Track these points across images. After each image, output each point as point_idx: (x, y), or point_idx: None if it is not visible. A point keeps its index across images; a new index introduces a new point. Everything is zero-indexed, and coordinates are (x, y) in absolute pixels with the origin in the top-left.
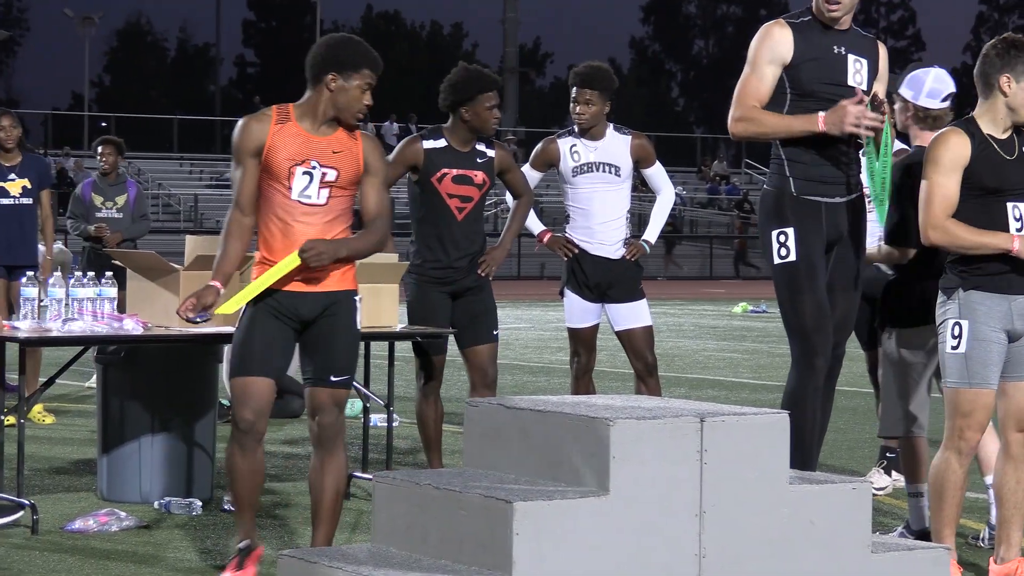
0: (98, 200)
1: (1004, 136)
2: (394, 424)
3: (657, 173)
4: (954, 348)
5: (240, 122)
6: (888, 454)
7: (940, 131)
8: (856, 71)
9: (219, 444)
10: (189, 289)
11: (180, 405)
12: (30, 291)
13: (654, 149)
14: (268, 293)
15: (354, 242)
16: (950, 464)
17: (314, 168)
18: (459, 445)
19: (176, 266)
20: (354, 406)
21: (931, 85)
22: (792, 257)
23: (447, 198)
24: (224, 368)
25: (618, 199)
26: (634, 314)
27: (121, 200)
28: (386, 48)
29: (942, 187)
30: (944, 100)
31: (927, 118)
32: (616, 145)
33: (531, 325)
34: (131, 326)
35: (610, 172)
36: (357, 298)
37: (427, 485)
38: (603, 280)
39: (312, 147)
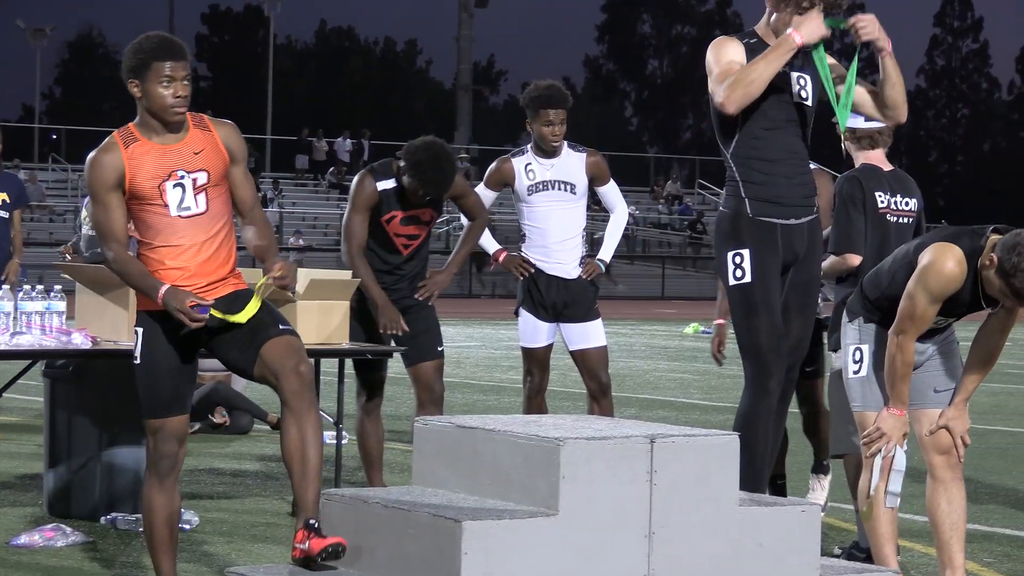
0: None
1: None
2: (343, 442)
3: (611, 191)
4: (856, 372)
5: (88, 159)
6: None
7: (951, 255)
8: (800, 87)
9: None
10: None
11: (128, 420)
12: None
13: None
14: (161, 316)
15: (272, 246)
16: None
17: (182, 177)
18: (409, 463)
19: None
20: None
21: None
22: (747, 278)
23: (394, 237)
24: None
25: (574, 218)
26: (589, 334)
27: None
28: (340, 64)
29: (928, 315)
30: (868, 120)
31: (861, 139)
32: (571, 163)
33: (482, 343)
34: (80, 340)
35: (566, 190)
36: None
37: (376, 503)
38: (559, 300)
39: (171, 157)
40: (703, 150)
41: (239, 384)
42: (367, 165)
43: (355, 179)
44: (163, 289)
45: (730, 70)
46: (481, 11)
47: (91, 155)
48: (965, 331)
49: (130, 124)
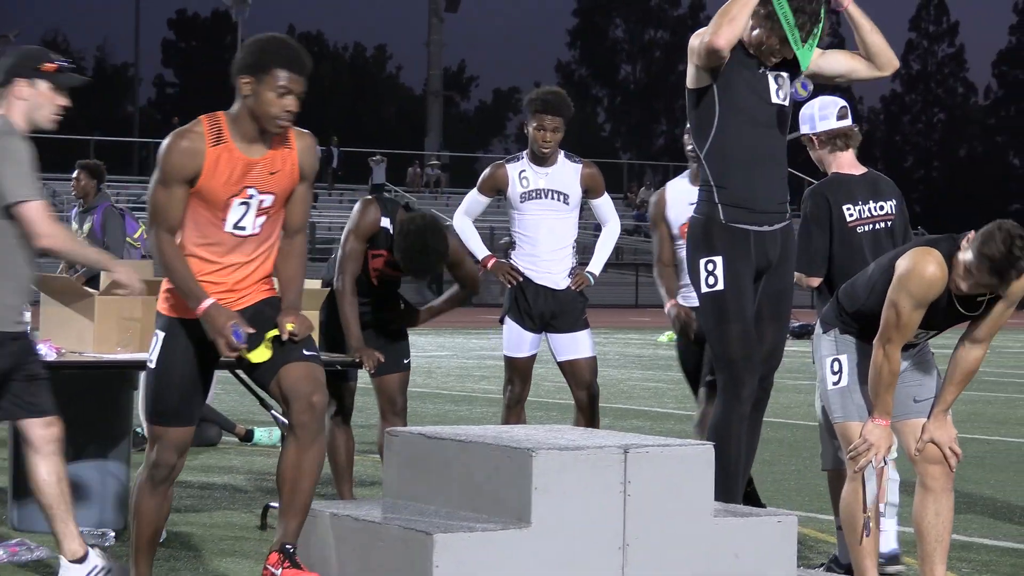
0: (73, 228)
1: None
2: None
3: (604, 204)
4: (835, 384)
5: (170, 141)
6: None
7: (931, 258)
8: (779, 87)
9: (133, 472)
10: (105, 315)
11: (93, 433)
12: None
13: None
14: (186, 324)
15: (297, 290)
16: (858, 495)
17: (251, 197)
18: (379, 475)
19: (91, 291)
20: (272, 434)
21: (819, 112)
22: (720, 286)
23: (371, 271)
24: (139, 396)
25: (566, 228)
26: (578, 344)
27: (88, 227)
28: None
29: (913, 321)
30: (841, 119)
31: (830, 140)
32: (566, 173)
33: (453, 353)
34: (44, 352)
35: (559, 200)
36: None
37: (346, 516)
38: (547, 310)
39: (250, 172)
40: (677, 156)
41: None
42: (375, 191)
43: (360, 205)
44: (207, 303)
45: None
46: (451, 16)
47: (175, 138)
48: (943, 339)
49: (221, 115)
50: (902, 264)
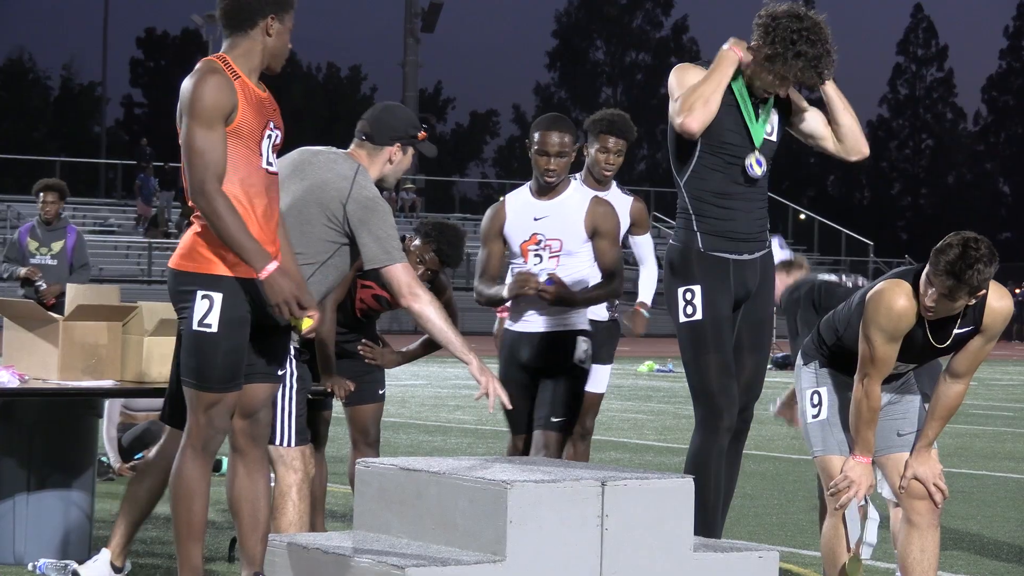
0: (33, 246)
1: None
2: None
3: (646, 243)
4: (815, 416)
5: (198, 78)
6: None
7: (899, 290)
8: (766, 120)
9: (98, 503)
10: (69, 340)
11: (57, 462)
12: None
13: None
14: (244, 284)
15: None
16: (839, 531)
17: (272, 130)
18: (350, 507)
19: (56, 316)
20: None
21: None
22: (698, 315)
23: (357, 301)
24: (103, 424)
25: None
26: (595, 378)
27: (57, 246)
28: (280, 91)
29: (888, 355)
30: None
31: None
32: (617, 204)
33: (428, 382)
34: (7, 378)
35: None
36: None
37: (315, 549)
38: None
39: (266, 106)
40: (657, 182)
41: None
42: None
43: None
44: (272, 267)
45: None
46: (428, 36)
47: (203, 75)
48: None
49: (226, 56)
50: (872, 298)
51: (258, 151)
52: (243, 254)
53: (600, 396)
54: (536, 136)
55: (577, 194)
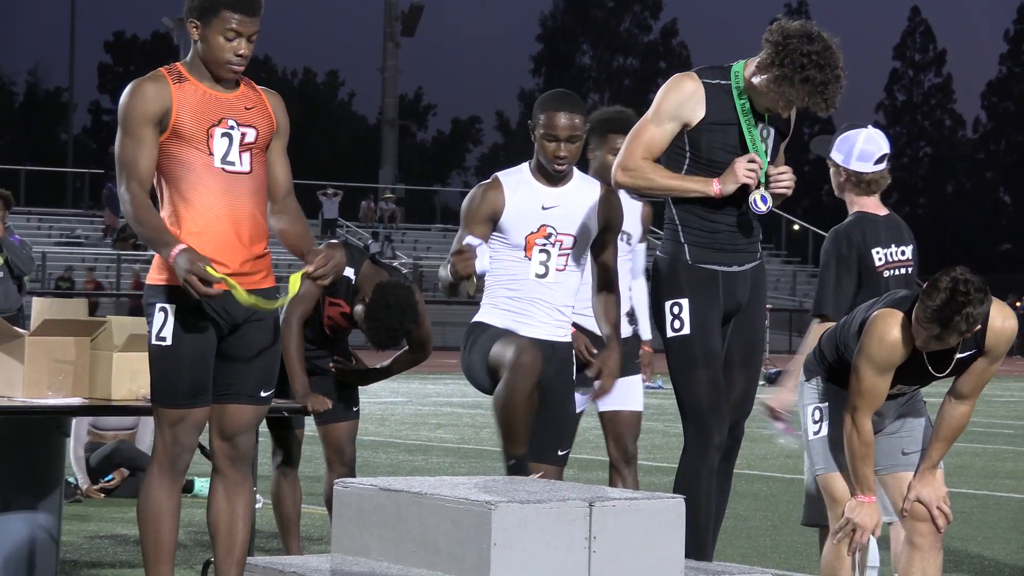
0: None
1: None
2: (257, 506)
3: (643, 253)
4: (816, 433)
5: (130, 88)
6: None
7: (892, 321)
8: (763, 139)
9: (65, 525)
10: (35, 357)
11: (22, 483)
12: None
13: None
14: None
15: (306, 235)
16: (841, 555)
17: (232, 128)
18: (327, 529)
19: (20, 331)
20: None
21: (862, 147)
22: (686, 330)
23: (325, 318)
24: (70, 443)
25: (624, 269)
26: (629, 393)
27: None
28: None
29: (878, 388)
30: (878, 163)
31: (860, 183)
32: (629, 210)
33: (408, 399)
34: None
35: (621, 239)
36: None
37: (292, 573)
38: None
39: (222, 104)
40: None
41: (144, 443)
42: (327, 227)
43: (324, 247)
44: (178, 248)
45: (648, 145)
46: (408, 40)
47: (135, 85)
48: (935, 386)
49: (177, 64)
50: (866, 327)
51: (207, 150)
52: (149, 245)
53: (640, 415)
54: (542, 118)
55: (584, 183)
